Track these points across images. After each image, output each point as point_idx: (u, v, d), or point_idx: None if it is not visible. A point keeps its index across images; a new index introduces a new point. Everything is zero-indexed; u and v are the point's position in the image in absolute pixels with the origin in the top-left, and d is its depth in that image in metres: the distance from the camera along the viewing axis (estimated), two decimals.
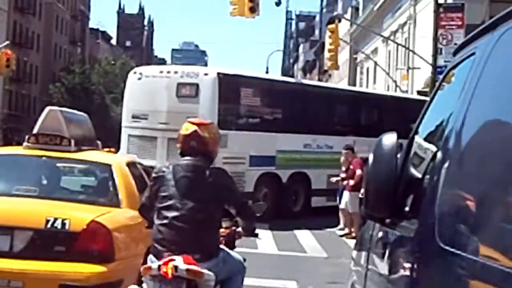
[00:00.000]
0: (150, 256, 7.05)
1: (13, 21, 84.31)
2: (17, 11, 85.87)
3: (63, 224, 7.86)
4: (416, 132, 3.83)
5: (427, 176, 3.31)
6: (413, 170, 3.50)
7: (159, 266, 6.43)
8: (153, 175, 7.56)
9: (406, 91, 39.89)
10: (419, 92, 35.58)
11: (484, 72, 2.68)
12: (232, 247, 7.81)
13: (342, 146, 24.06)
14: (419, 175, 3.40)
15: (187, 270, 6.36)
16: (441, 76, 14.09)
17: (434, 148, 3.44)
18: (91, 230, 7.93)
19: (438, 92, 3.67)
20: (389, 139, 3.33)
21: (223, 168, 8.75)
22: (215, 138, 7.55)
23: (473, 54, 2.97)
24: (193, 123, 7.46)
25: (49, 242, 7.42)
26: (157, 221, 6.93)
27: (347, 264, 14.77)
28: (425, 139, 3.73)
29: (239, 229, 7.84)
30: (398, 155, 3.49)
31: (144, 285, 7.16)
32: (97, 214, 8.21)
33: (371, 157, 3.40)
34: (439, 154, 3.12)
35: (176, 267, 6.35)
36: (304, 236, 19.81)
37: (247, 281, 11.54)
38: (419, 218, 2.93)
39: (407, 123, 23.87)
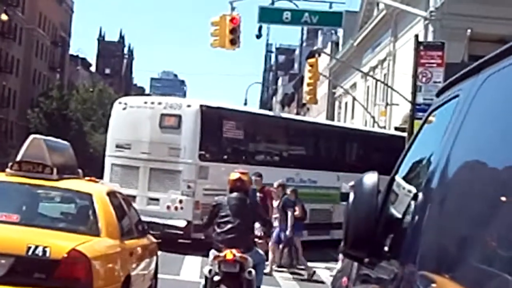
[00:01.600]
0: (212, 250, 11.90)
1: None
2: None
3: (44, 251, 7.89)
4: (397, 172, 3.82)
5: (408, 217, 3.30)
6: (393, 210, 3.50)
7: (225, 254, 11.31)
8: (213, 203, 12.59)
9: (384, 127, 40.00)
10: (396, 129, 35.67)
11: (468, 115, 2.70)
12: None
13: (326, 181, 24.29)
14: (399, 215, 3.40)
15: (240, 256, 11.34)
16: (420, 114, 14.16)
17: (415, 189, 3.44)
18: (71, 258, 7.97)
19: (420, 133, 3.70)
20: (370, 178, 3.33)
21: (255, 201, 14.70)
22: (249, 181, 13.33)
23: (457, 96, 3.00)
24: (239, 172, 12.82)
25: (29, 268, 7.44)
26: (218, 230, 11.94)
27: None
28: (406, 179, 3.73)
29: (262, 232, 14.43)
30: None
31: (208, 267, 11.96)
32: (77, 242, 8.24)
33: (351, 196, 3.39)
34: (421, 195, 3.12)
35: (234, 254, 11.27)
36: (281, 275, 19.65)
37: None
38: (400, 259, 2.93)
39: (383, 156, 24.08)
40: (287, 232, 18.62)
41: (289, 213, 18.60)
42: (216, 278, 11.29)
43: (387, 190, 3.53)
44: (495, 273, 2.05)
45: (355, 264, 3.86)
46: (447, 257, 2.54)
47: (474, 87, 2.78)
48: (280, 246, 19.51)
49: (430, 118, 3.59)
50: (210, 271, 11.34)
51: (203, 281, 11.97)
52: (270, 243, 18.45)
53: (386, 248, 3.32)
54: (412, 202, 3.38)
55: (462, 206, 2.58)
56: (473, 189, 2.52)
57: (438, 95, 3.56)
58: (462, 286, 2.27)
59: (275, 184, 20.02)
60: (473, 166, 2.60)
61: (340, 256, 19.65)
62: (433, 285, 2.48)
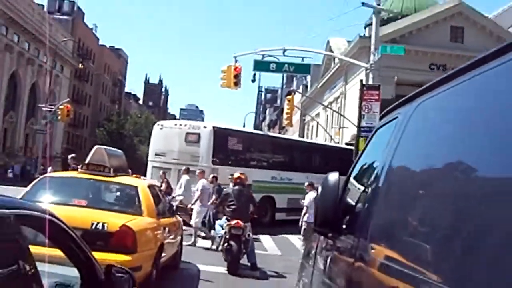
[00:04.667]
0: (224, 219, 13.32)
1: (73, 85, 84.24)
2: (76, 79, 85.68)
3: (103, 226, 7.86)
4: (351, 173, 3.76)
5: (359, 204, 3.26)
6: (349, 199, 3.43)
7: (233, 223, 12.52)
8: (224, 193, 13.94)
9: (338, 142, 40.01)
10: (347, 144, 35.74)
11: (405, 132, 2.65)
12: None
13: (299, 179, 24.18)
14: (353, 203, 3.34)
15: (242, 225, 12.52)
16: (364, 134, 13.92)
17: (363, 186, 3.42)
18: (122, 231, 7.90)
19: (368, 146, 3.62)
20: (333, 176, 3.27)
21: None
22: (246, 178, 14.22)
23: (396, 118, 2.94)
24: (239, 173, 14.03)
25: (93, 238, 7.25)
26: (227, 209, 13.08)
27: (295, 260, 14.77)
28: (358, 178, 3.66)
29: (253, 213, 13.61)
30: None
31: (218, 226, 13.83)
32: (126, 220, 8.18)
33: (320, 189, 3.32)
34: (369, 190, 3.09)
35: (238, 223, 12.48)
36: (267, 240, 19.62)
37: (220, 269, 11.54)
38: (355, 234, 2.84)
39: (337, 162, 23.98)
40: None
41: None
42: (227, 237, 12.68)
43: (344, 186, 3.43)
44: (416, 243, 2.19)
45: (321, 237, 3.71)
46: (388, 232, 2.56)
47: (409, 112, 2.73)
48: None
49: (375, 135, 3.50)
50: (225, 232, 12.80)
51: (217, 238, 14.00)
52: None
53: (344, 226, 3.24)
54: (363, 194, 3.32)
55: (398, 198, 2.58)
56: (406, 186, 2.55)
57: (381, 118, 3.47)
58: (394, 249, 2.37)
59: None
60: (407, 170, 2.60)
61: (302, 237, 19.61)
62: (375, 251, 2.55)
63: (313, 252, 4.34)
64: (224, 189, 14.45)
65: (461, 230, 1.83)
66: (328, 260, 3.46)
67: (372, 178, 3.05)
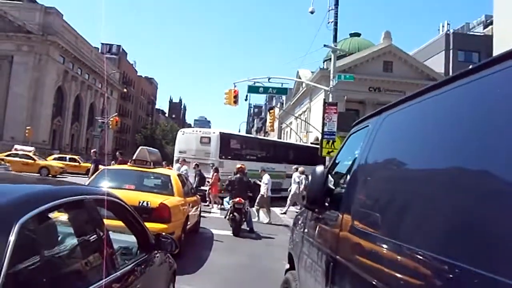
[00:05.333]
0: (227, 199, 13.83)
1: (119, 104, 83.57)
2: (122, 99, 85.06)
3: (147, 204, 7.71)
4: (332, 166, 3.65)
5: (338, 189, 3.23)
6: (330, 185, 3.32)
7: (236, 200, 12.43)
8: (229, 179, 13.32)
9: (306, 142, 39.95)
10: (312, 143, 35.74)
11: (375, 138, 2.56)
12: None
13: (279, 169, 24.07)
14: (333, 188, 3.27)
15: (243, 201, 12.44)
16: (326, 137, 13.60)
17: (341, 176, 3.36)
18: (160, 207, 7.77)
19: (344, 146, 3.50)
20: (320, 168, 3.20)
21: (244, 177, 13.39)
22: (245, 168, 13.79)
23: (367, 126, 2.85)
24: (240, 164, 13.96)
25: (140, 212, 7.13)
26: (233, 191, 12.74)
27: (278, 226, 14.73)
28: (336, 170, 3.57)
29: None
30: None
31: (225, 202, 14.27)
32: (163, 199, 8.05)
33: (310, 177, 3.26)
34: (346, 178, 3.01)
35: (239, 200, 12.39)
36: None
37: (227, 232, 11.39)
38: (340, 210, 2.74)
39: (307, 156, 23.84)
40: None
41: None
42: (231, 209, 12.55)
43: (326, 175, 3.29)
44: (380, 215, 2.20)
45: (309, 212, 3.62)
46: (368, 209, 2.43)
47: (378, 122, 2.64)
48: None
49: (350, 138, 3.39)
50: (230, 206, 12.61)
51: (227, 210, 13.32)
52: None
53: (327, 204, 3.14)
54: (341, 182, 3.26)
55: (370, 185, 2.53)
56: (376, 177, 2.48)
57: (354, 126, 3.35)
58: (365, 220, 2.33)
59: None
60: (377, 165, 2.51)
61: (287, 204, 19.54)
62: (356, 222, 2.45)
63: (299, 222, 4.28)
64: (229, 177, 14.09)
65: (410, 203, 1.96)
66: (316, 230, 3.36)
67: (349, 170, 2.96)
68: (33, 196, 2.17)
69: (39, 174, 27.37)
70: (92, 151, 18.63)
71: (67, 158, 37.31)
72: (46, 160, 33.93)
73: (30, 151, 33.23)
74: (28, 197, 2.12)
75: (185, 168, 18.09)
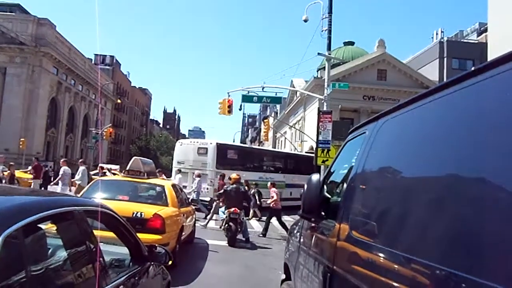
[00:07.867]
0: (222, 208, 13.51)
1: (113, 115, 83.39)
2: (116, 110, 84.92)
3: (141, 214, 7.64)
4: (328, 174, 3.59)
5: (334, 197, 3.18)
6: (326, 194, 3.28)
7: (232, 209, 12.39)
8: (224, 189, 13.18)
9: (301, 151, 39.97)
10: (307, 152, 35.73)
11: (373, 145, 2.52)
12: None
13: (277, 178, 24.02)
14: (329, 197, 3.23)
15: (239, 210, 12.41)
16: (321, 145, 13.60)
17: (338, 184, 3.31)
18: (154, 217, 7.68)
19: (340, 153, 3.44)
20: (315, 176, 3.13)
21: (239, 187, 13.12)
22: (240, 178, 13.45)
23: (364, 133, 2.81)
24: (236, 175, 13.42)
25: (134, 223, 7.06)
26: (228, 201, 12.72)
27: (275, 236, 14.62)
28: (332, 179, 3.51)
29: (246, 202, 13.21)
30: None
31: (220, 212, 13.80)
32: (157, 209, 7.97)
33: (305, 186, 3.16)
34: (344, 187, 2.95)
35: (235, 210, 12.34)
36: (254, 222, 19.35)
37: (223, 242, 11.29)
38: (337, 219, 2.67)
39: (302, 165, 23.88)
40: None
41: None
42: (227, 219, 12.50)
43: (322, 183, 3.24)
44: (378, 224, 2.15)
45: (305, 221, 3.57)
46: (365, 219, 2.38)
47: (375, 128, 2.60)
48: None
49: (346, 145, 3.33)
50: (226, 216, 12.57)
51: (222, 220, 13.27)
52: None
53: (322, 213, 3.09)
54: (337, 191, 3.21)
55: (368, 194, 2.48)
56: (374, 185, 2.44)
57: (350, 133, 3.29)
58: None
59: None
60: (375, 173, 2.46)
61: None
62: (353, 232, 2.40)
63: (295, 232, 4.22)
64: (224, 187, 13.72)
65: (410, 211, 1.92)
66: (312, 240, 3.29)
67: (346, 178, 2.89)
68: (20, 207, 2.10)
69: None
70: (79, 161, 17.64)
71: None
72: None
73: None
74: (14, 208, 2.05)
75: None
